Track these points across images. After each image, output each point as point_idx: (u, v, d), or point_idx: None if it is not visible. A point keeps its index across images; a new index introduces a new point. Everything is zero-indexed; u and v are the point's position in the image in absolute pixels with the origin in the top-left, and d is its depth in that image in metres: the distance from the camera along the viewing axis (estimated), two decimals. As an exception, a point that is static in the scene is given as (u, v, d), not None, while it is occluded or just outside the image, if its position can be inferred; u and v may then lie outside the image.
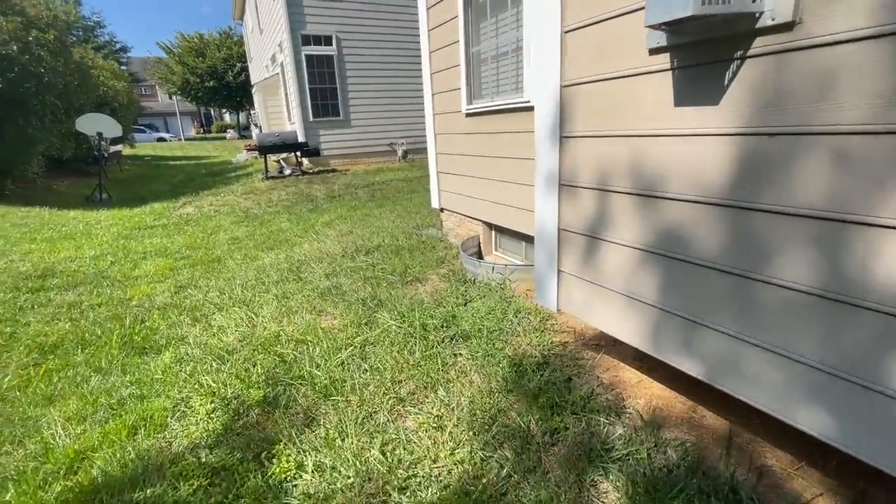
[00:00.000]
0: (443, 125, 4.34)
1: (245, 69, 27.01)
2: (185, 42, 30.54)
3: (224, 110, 43.38)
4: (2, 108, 7.83)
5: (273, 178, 10.12)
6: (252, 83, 19.81)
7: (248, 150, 14.63)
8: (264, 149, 9.87)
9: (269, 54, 13.85)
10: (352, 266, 4.08)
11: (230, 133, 36.12)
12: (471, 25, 3.68)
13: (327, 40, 10.98)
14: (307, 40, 10.76)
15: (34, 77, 7.83)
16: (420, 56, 4.57)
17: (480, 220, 4.02)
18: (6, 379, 2.64)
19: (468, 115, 3.84)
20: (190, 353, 2.80)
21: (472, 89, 3.81)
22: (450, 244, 4.53)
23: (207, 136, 42.58)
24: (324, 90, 11.14)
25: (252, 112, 19.23)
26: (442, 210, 4.67)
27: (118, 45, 37.60)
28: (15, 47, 7.61)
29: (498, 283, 3.34)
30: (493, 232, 4.05)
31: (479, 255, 4.10)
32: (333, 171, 11.13)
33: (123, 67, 41.51)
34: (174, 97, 36.23)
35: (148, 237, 6.13)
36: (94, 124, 8.84)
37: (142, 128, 34.44)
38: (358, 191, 8.71)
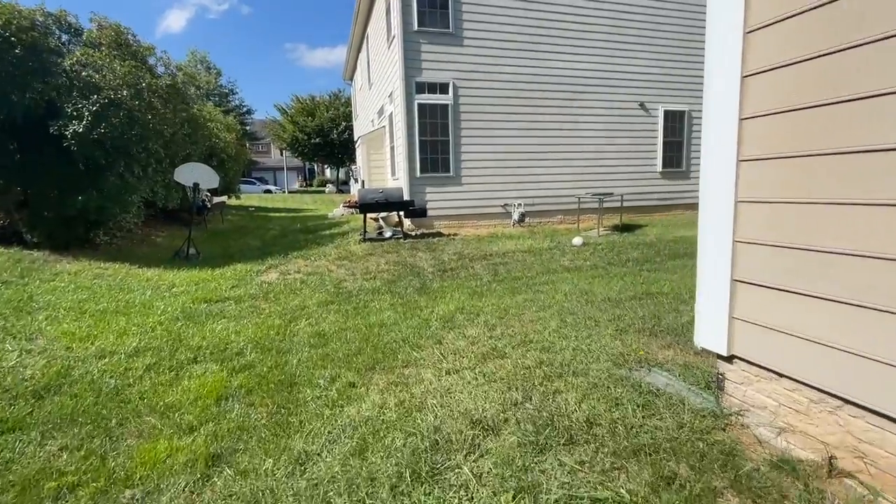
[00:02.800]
0: (787, 151, 2.21)
1: (349, 128, 27.95)
2: (298, 103, 32.87)
3: (326, 166, 46.01)
4: (104, 155, 7.23)
5: (371, 240, 8.63)
6: (355, 137, 19.75)
7: (347, 206, 13.73)
8: (366, 206, 8.49)
9: (377, 107, 13.15)
10: (545, 481, 1.91)
11: (329, 187, 37.66)
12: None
13: (443, 88, 9.73)
14: (421, 88, 9.60)
15: (139, 124, 7.17)
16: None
17: None
18: None
19: None
20: None
21: None
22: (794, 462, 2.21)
23: (308, 189, 45.11)
24: (434, 143, 9.76)
25: (353, 167, 19.02)
26: (732, 358, 2.33)
27: (245, 108, 42.07)
28: (125, 92, 7.04)
29: None
30: None
31: None
32: (439, 234, 9.44)
33: (248, 126, 46.35)
34: (284, 153, 38.99)
35: (214, 318, 4.58)
36: (191, 174, 8.09)
37: (252, 180, 37.07)
38: (474, 264, 6.77)
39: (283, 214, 18.48)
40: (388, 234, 8.87)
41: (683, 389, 2.50)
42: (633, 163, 11.56)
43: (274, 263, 7.26)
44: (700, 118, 10.77)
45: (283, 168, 43.80)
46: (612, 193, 9.85)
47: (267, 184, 40.92)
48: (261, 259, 7.63)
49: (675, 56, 11.58)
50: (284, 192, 38.83)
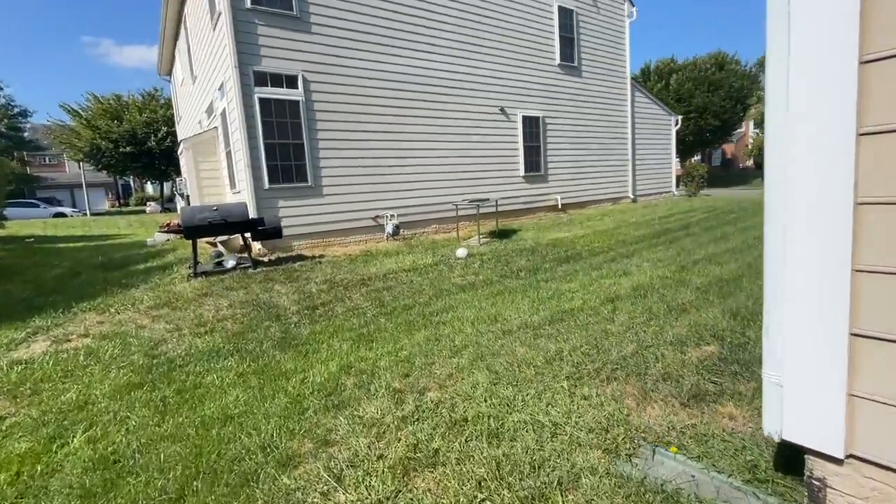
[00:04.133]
0: None
1: (172, 133, 23.42)
2: (98, 104, 26.49)
3: (145, 180, 38.54)
4: None
5: (207, 273, 6.57)
6: (178, 141, 16.30)
7: (166, 230, 10.83)
8: (194, 230, 6.40)
9: (205, 104, 10.70)
10: None
11: (150, 206, 31.23)
12: None
13: (291, 81, 8.10)
14: (262, 79, 7.82)
15: None
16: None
17: None
18: None
19: None
20: None
21: None
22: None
23: (124, 209, 37.18)
24: (285, 147, 8.06)
25: (177, 180, 15.54)
26: (843, 460, 1.37)
27: (17, 109, 32.68)
28: None
29: None
30: None
31: None
32: (300, 258, 7.77)
33: (24, 133, 36.00)
34: (82, 166, 31.18)
35: None
36: None
37: (34, 202, 28.87)
38: (352, 293, 5.43)
39: (81, 245, 14.11)
40: (230, 263, 6.89)
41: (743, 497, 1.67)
42: (500, 168, 11.46)
43: (45, 325, 4.82)
44: (554, 124, 11.13)
45: (82, 185, 35.07)
46: (488, 199, 9.44)
47: (60, 205, 32.20)
48: (23, 319, 5.05)
49: (529, 63, 11.86)
50: (86, 214, 31.02)
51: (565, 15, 12.60)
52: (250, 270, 6.67)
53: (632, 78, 15.12)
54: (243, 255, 7.27)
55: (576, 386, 2.71)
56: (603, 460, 1.95)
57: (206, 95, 10.51)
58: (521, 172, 11.89)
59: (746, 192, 21.40)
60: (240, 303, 5.20)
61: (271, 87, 7.90)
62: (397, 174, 9.46)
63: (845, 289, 1.30)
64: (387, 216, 9.26)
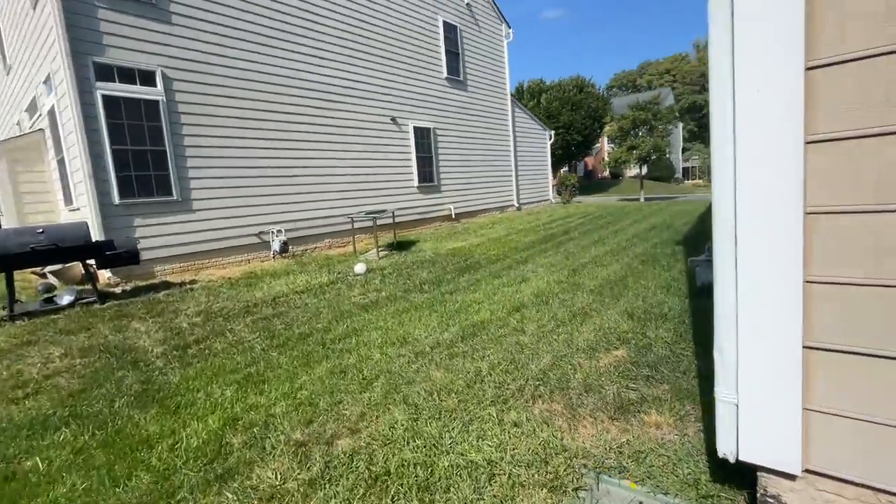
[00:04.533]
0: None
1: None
2: None
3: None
4: None
5: (32, 314, 5.15)
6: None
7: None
8: (8, 260, 4.96)
9: (25, 100, 8.64)
10: None
11: (-49, 227, 24.56)
12: None
13: (147, 78, 6.88)
14: (107, 73, 6.51)
15: None
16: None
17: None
18: None
19: None
20: None
21: None
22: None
23: None
24: (142, 155, 6.79)
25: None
26: (796, 476, 1.37)
27: None
28: None
29: None
30: None
31: None
32: (166, 285, 6.56)
33: None
34: None
35: None
36: None
37: None
38: (235, 324, 4.67)
39: None
40: (65, 299, 5.49)
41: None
42: (394, 179, 11.21)
43: None
44: (445, 135, 11.30)
45: None
46: (385, 210, 9.10)
47: None
48: None
49: (419, 75, 11.87)
50: None
51: (450, 30, 12.92)
52: (96, 306, 5.40)
53: (511, 95, 16.10)
54: (85, 287, 5.89)
55: (503, 411, 2.53)
56: (550, 501, 1.77)
57: (25, 90, 8.49)
58: (416, 183, 11.79)
59: (608, 198, 24.27)
60: (80, 350, 4.11)
61: (120, 82, 6.60)
62: (285, 185, 8.63)
63: (797, 301, 1.28)
64: (273, 232, 8.37)
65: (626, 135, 23.94)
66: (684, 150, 53.02)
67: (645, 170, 26.83)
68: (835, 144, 1.21)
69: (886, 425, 1.22)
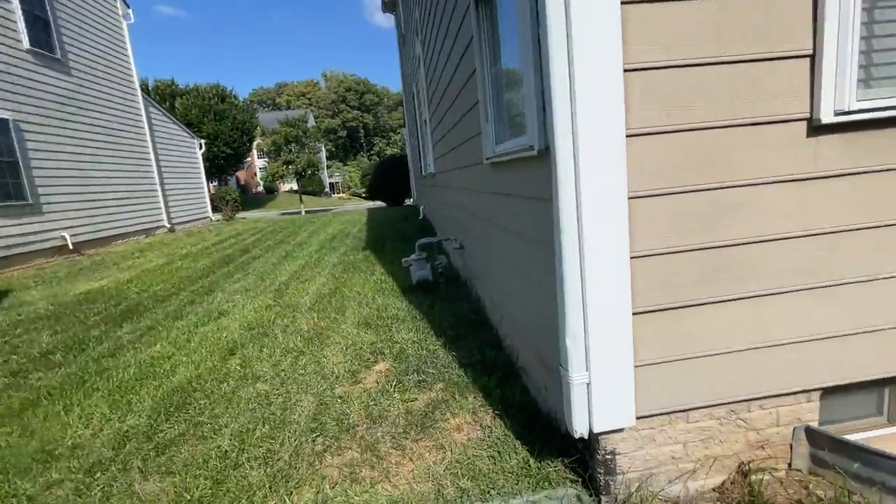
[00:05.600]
0: (691, 166, 1.42)
1: None
2: None
3: None
4: None
5: None
6: None
7: None
8: None
9: None
10: None
11: None
12: None
13: None
14: None
15: None
16: None
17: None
18: None
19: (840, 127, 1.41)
20: None
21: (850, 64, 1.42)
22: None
23: None
24: None
25: None
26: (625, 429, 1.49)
27: None
28: None
29: None
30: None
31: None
32: None
33: None
34: None
35: None
36: None
37: None
38: None
39: None
40: None
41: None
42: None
43: None
44: (43, 132, 8.09)
45: None
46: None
47: None
48: None
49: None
50: None
51: (24, -16, 9.01)
52: None
53: (143, 90, 13.00)
54: None
55: (292, 494, 1.84)
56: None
57: None
58: (-13, 202, 7.67)
59: (268, 213, 23.65)
60: None
61: None
62: None
63: (627, 275, 1.44)
64: None
65: (280, 150, 23.96)
66: (328, 166, 58.34)
67: (296, 185, 27.65)
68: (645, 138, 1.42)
69: (680, 360, 1.55)
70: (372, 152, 67.91)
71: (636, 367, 1.50)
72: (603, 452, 1.57)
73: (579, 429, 1.53)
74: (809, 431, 1.70)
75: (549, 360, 1.98)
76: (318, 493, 1.85)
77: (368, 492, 1.82)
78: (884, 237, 1.55)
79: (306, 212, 22.08)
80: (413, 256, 4.46)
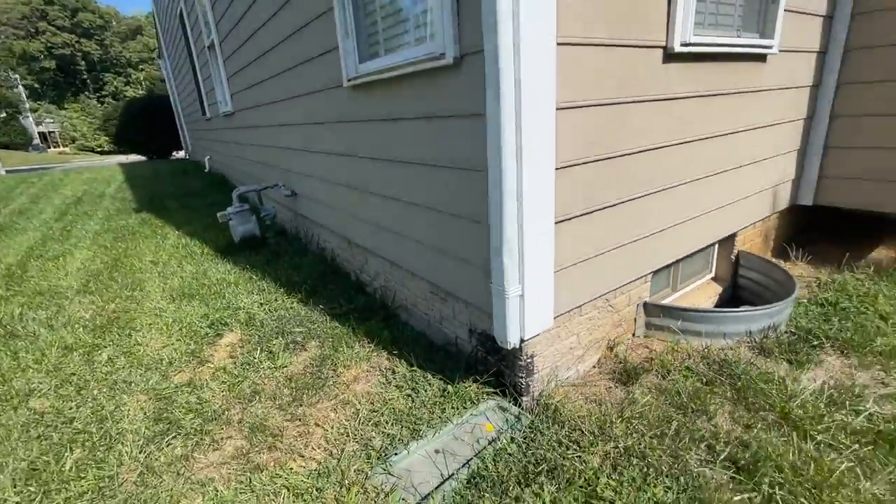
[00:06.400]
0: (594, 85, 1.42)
1: None
2: None
3: None
4: None
5: None
6: None
7: None
8: None
9: None
10: None
11: None
12: None
13: None
14: None
15: None
16: None
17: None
18: None
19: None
20: None
21: None
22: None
23: None
24: None
25: None
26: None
27: None
28: None
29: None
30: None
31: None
32: None
33: None
34: None
35: None
36: None
37: None
38: None
39: None
40: None
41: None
42: None
43: None
44: None
45: None
46: None
47: None
48: None
49: None
50: None
51: None
52: None
53: None
54: None
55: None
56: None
57: None
58: None
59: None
60: None
61: None
62: None
63: (552, 189, 1.47)
64: None
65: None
66: (33, 110, 42.86)
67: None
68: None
69: (584, 260, 1.73)
70: (104, 93, 52.14)
71: (555, 272, 1.62)
72: (525, 357, 1.68)
73: (512, 339, 1.59)
74: (646, 305, 2.19)
75: (451, 289, 1.95)
76: (212, 500, 1.44)
77: (280, 475, 1.51)
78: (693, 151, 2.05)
79: (7, 171, 15.86)
80: (232, 209, 3.70)
